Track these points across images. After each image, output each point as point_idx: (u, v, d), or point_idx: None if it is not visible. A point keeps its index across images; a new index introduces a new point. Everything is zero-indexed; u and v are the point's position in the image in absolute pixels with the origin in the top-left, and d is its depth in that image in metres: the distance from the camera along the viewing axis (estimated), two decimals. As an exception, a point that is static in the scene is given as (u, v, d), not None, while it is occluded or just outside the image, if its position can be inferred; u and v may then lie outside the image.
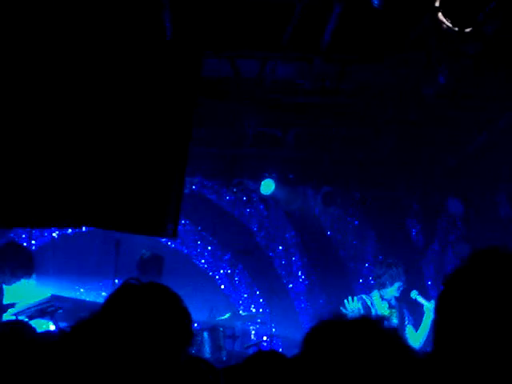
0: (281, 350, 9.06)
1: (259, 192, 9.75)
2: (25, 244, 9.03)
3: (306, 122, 8.74)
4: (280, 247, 10.49)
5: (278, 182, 9.63)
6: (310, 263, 10.41)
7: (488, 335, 1.56)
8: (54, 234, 9.52)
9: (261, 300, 10.21)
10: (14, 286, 7.08)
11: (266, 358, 3.33)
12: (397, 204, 10.16)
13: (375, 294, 7.82)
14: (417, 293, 7.69)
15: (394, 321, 7.79)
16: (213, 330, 8.14)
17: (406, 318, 7.87)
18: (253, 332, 10.00)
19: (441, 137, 8.78)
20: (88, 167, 5.20)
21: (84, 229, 8.92)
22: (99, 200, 5.26)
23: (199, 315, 8.94)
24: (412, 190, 10.02)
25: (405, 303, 7.90)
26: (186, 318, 2.47)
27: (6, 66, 5.09)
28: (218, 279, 10.34)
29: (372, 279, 8.12)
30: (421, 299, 7.63)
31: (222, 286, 10.32)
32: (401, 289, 7.77)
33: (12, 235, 8.97)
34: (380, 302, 7.80)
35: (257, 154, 9.52)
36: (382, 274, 7.80)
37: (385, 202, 10.05)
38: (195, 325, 9.19)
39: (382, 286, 7.77)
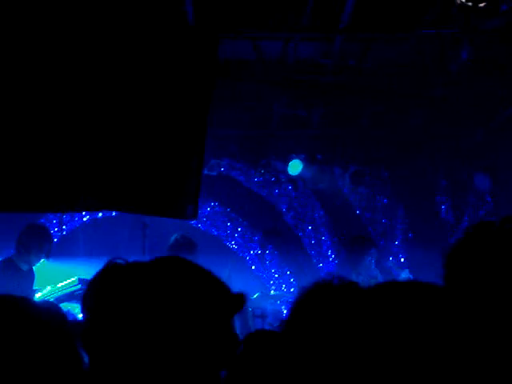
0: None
1: (287, 172, 9.82)
2: (56, 229, 9.24)
3: (331, 101, 8.74)
4: (309, 227, 10.53)
5: (306, 161, 9.68)
6: (340, 242, 10.45)
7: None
8: (84, 219, 9.68)
9: (291, 279, 10.28)
10: (41, 269, 7.25)
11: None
12: (425, 181, 10.13)
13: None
14: (393, 262, 8.01)
15: None
16: (242, 310, 8.22)
17: None
18: (285, 311, 10.07)
19: (466, 112, 8.74)
20: (107, 152, 5.26)
21: (114, 213, 9.08)
22: (119, 184, 5.31)
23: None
24: (440, 166, 10.00)
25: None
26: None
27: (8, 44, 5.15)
28: (248, 260, 10.43)
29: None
30: (396, 268, 7.94)
31: (253, 267, 10.42)
32: (375, 259, 8.10)
33: (43, 220, 9.14)
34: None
35: (283, 134, 9.58)
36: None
37: (413, 179, 10.04)
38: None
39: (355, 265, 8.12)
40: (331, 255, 10.54)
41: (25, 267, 7.36)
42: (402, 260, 10.04)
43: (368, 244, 8.37)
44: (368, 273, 8.12)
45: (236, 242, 10.45)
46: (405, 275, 8.24)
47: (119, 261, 2.49)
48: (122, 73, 5.46)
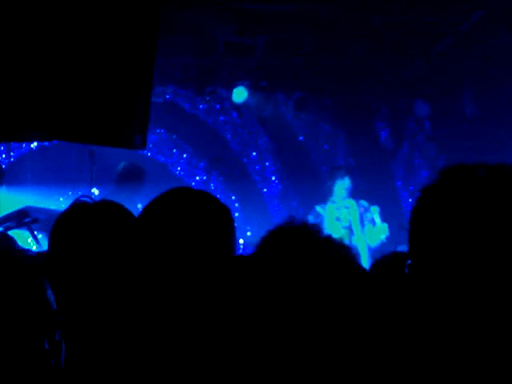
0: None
1: (232, 100, 9.92)
2: (3, 156, 9.25)
3: (277, 29, 8.81)
4: (254, 153, 10.71)
5: (251, 89, 9.79)
6: (284, 168, 10.67)
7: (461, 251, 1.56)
8: (32, 146, 9.66)
9: (236, 205, 10.49)
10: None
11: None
12: (366, 108, 10.35)
13: (328, 206, 8.30)
14: (377, 210, 8.13)
15: (344, 223, 8.21)
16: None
17: (364, 216, 8.29)
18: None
19: (406, 42, 8.91)
20: (51, 79, 5.21)
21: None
22: (63, 113, 5.24)
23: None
24: (380, 94, 10.21)
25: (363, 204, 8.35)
26: None
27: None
28: (194, 186, 10.55)
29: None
30: (377, 218, 8.08)
31: (198, 192, 10.53)
32: (347, 186, 8.22)
33: (-11, 147, 9.13)
34: (331, 207, 8.24)
35: (229, 62, 9.64)
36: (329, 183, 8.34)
37: (355, 106, 10.23)
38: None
39: (330, 192, 8.29)
40: (275, 180, 10.76)
41: (-27, 196, 7.37)
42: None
43: (341, 172, 8.49)
44: (341, 201, 8.33)
45: (182, 169, 10.57)
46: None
47: (86, 199, 2.64)
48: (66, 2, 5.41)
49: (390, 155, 10.67)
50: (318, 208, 8.38)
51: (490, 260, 1.52)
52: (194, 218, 2.33)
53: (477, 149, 9.02)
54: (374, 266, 2.66)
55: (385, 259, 2.63)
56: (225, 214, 2.48)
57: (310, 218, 8.20)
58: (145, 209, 2.40)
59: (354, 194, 8.60)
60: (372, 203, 8.43)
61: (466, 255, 1.54)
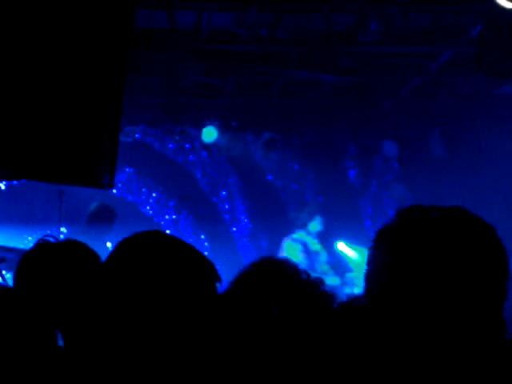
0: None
1: (202, 139, 9.97)
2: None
3: (245, 70, 8.89)
4: (223, 192, 10.75)
5: (220, 129, 9.85)
6: (253, 207, 10.69)
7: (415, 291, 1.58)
8: (0, 185, 9.59)
9: (206, 244, 10.48)
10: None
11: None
12: (335, 147, 10.45)
13: (300, 233, 8.29)
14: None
15: (324, 256, 8.23)
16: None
17: None
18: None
19: (375, 82, 9.03)
20: (18, 118, 5.17)
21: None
22: (31, 152, 5.20)
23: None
24: (349, 133, 10.31)
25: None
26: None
27: None
28: (163, 225, 10.55)
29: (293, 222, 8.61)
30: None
31: (168, 232, 10.53)
32: (321, 224, 8.26)
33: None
34: (310, 238, 8.25)
35: (198, 102, 9.70)
36: (300, 214, 8.34)
37: (323, 146, 10.32)
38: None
39: (304, 225, 8.29)
40: (244, 220, 10.77)
41: None
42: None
43: (318, 207, 8.56)
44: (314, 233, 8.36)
45: (151, 208, 10.56)
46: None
47: (50, 239, 2.63)
48: (32, 41, 5.38)
49: (359, 194, 10.74)
50: (296, 235, 8.39)
51: (438, 301, 1.55)
52: (177, 272, 1.97)
53: (443, 189, 9.12)
54: (344, 305, 2.66)
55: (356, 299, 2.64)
56: (211, 271, 2.19)
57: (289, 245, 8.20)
58: (116, 249, 2.09)
59: (323, 232, 8.62)
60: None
61: (415, 297, 1.56)
